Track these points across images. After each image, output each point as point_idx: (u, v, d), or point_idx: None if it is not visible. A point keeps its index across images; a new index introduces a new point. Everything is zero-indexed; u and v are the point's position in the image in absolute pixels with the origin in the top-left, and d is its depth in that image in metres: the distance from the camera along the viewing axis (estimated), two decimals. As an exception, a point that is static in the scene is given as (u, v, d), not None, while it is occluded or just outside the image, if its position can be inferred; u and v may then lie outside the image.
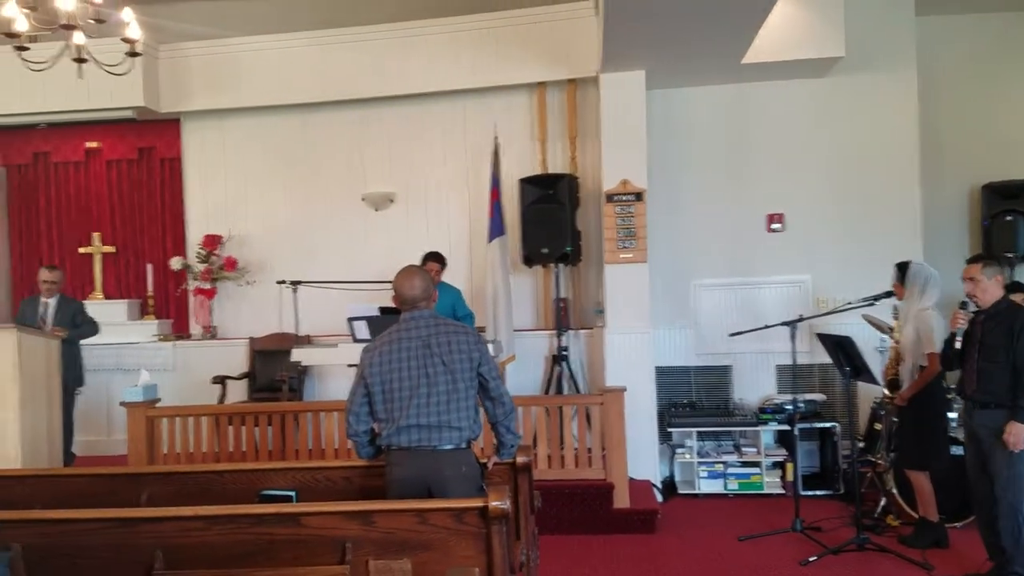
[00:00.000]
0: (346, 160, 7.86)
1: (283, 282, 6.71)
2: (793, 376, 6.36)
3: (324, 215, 7.88)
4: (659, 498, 6.19)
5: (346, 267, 7.50)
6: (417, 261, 5.93)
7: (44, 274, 6.56)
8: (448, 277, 6.50)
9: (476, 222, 7.54)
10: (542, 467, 5.66)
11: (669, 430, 6.62)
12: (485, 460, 3.63)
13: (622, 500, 5.63)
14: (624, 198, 6.52)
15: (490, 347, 5.88)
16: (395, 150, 7.80)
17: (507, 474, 3.68)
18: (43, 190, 8.35)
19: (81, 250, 8.22)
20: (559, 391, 6.84)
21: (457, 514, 2.88)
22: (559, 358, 6.95)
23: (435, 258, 6.19)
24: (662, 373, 6.88)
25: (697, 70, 6.67)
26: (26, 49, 4.55)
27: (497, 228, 6.83)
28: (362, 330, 5.68)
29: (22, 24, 4.46)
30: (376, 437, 3.50)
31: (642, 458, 6.22)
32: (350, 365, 5.18)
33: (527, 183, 7.05)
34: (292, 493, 3.52)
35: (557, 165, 7.46)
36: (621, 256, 6.50)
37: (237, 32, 7.64)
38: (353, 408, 3.47)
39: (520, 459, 3.67)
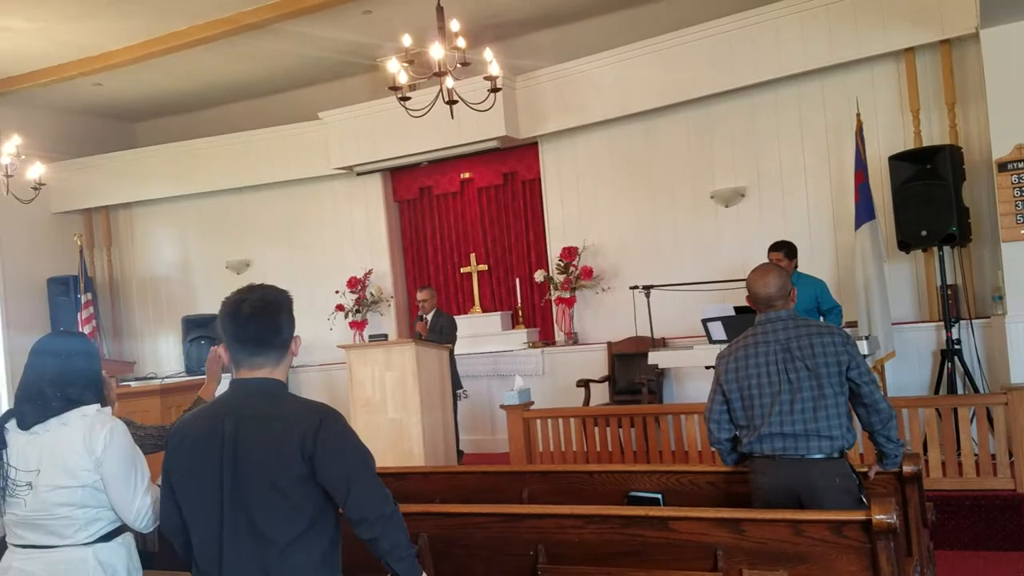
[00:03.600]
0: (691, 159, 7.81)
1: (636, 287, 6.84)
2: None
3: (672, 217, 7.90)
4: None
5: (697, 267, 7.44)
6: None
7: (419, 294, 7.53)
8: (811, 268, 6.13)
9: (839, 209, 7.02)
10: (935, 475, 5.06)
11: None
12: (865, 469, 3.33)
13: (1036, 515, 4.82)
14: (1020, 165, 5.62)
15: (864, 344, 5.47)
16: (743, 142, 7.58)
17: (892, 484, 3.34)
18: (428, 220, 9.47)
19: (461, 270, 9.18)
20: (951, 390, 6.08)
21: (836, 527, 2.68)
22: (950, 353, 6.18)
23: (779, 247, 5.75)
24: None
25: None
26: (408, 99, 5.21)
27: (865, 213, 6.29)
28: (718, 331, 5.58)
29: (403, 77, 5.13)
30: (739, 443, 3.40)
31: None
32: (707, 367, 5.11)
33: (898, 160, 6.40)
34: (658, 496, 3.54)
35: (933, 137, 6.66)
36: (1023, 232, 5.61)
37: (584, 52, 7.99)
38: (712, 416, 3.39)
39: (907, 468, 3.31)
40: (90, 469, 2.39)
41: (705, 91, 7.46)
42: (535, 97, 8.25)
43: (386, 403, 6.67)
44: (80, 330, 9.17)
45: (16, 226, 9.38)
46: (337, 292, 9.05)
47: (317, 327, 8.65)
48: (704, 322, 5.61)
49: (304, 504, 2.15)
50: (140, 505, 2.43)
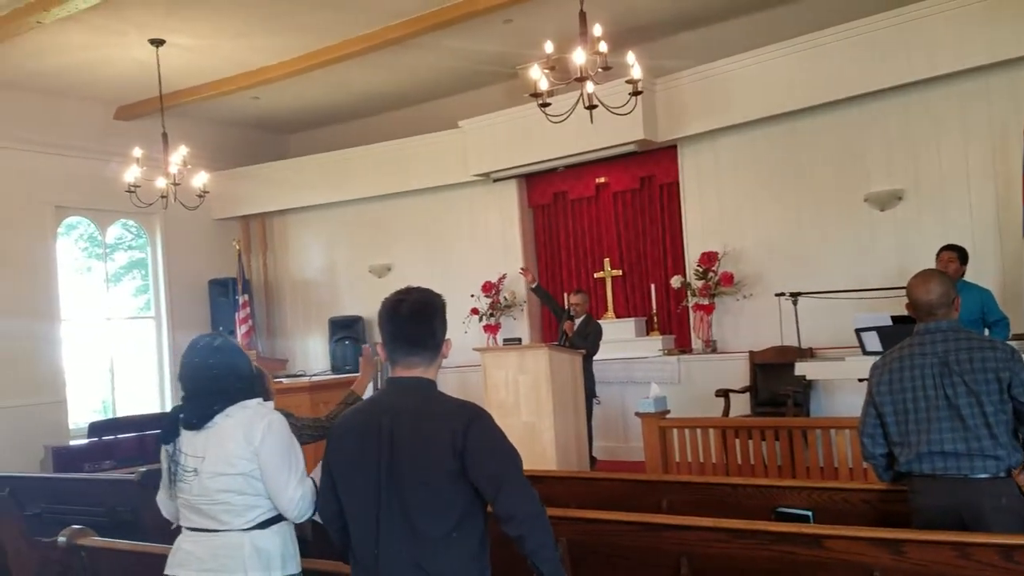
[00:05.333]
0: (842, 161, 7.46)
1: (782, 294, 6.60)
2: None
3: (820, 221, 7.58)
4: None
5: (849, 274, 7.10)
6: (932, 262, 5.33)
7: (571, 298, 7.54)
8: (975, 277, 5.72)
9: (1005, 214, 6.54)
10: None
11: None
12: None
13: None
14: None
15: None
16: (899, 143, 7.17)
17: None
18: (562, 225, 9.50)
19: (595, 275, 9.15)
20: None
21: (1005, 551, 2.51)
22: None
23: (953, 248, 5.46)
24: None
25: None
26: (548, 105, 5.25)
27: (1035, 217, 5.82)
28: (872, 341, 5.28)
29: (544, 83, 5.17)
30: (894, 460, 3.21)
31: None
32: (860, 379, 4.84)
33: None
34: (808, 513, 3.39)
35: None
36: None
37: (726, 53, 7.80)
38: (866, 430, 3.22)
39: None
40: (248, 458, 2.51)
41: (856, 90, 7.12)
42: (675, 99, 8.11)
43: (519, 406, 6.74)
44: (237, 329, 9.78)
45: (182, 231, 10.12)
46: (472, 296, 9.22)
47: (452, 330, 8.56)
48: (858, 331, 5.34)
49: (455, 500, 2.20)
50: (294, 494, 2.53)
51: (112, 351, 9.86)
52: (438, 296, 2.41)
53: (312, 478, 2.58)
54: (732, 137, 8.04)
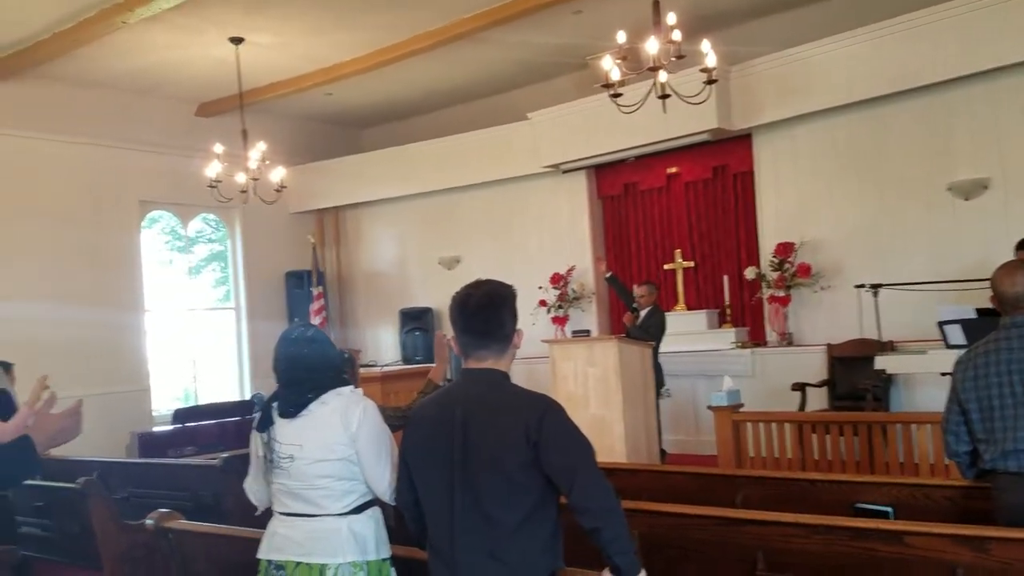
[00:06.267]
0: (925, 149, 7.21)
1: (862, 286, 6.41)
2: None
3: (901, 211, 7.34)
4: None
5: (930, 265, 6.87)
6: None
7: (636, 289, 7.50)
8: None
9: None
10: None
11: None
12: None
13: None
14: None
15: None
16: (985, 131, 6.89)
17: None
18: (632, 216, 9.41)
19: (665, 267, 9.05)
20: None
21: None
22: None
23: None
24: None
25: None
26: (619, 95, 5.21)
27: None
28: (956, 335, 5.10)
29: (615, 73, 5.14)
30: (979, 457, 3.10)
31: None
32: (943, 374, 4.69)
33: None
34: (889, 509, 3.32)
35: None
36: None
37: (804, 39, 7.60)
38: (949, 427, 3.14)
39: None
40: (345, 443, 2.57)
41: (942, 76, 6.86)
42: (751, 87, 7.94)
43: (588, 399, 6.71)
44: (312, 320, 10.01)
45: (259, 225, 10.41)
46: (540, 288, 9.22)
47: (520, 322, 8.82)
48: (940, 324, 5.16)
49: (528, 490, 2.22)
50: (390, 477, 2.59)
51: (193, 341, 10.22)
52: (508, 287, 2.42)
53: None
54: (810, 124, 7.84)
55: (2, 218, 8.25)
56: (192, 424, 8.91)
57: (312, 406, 2.63)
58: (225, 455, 5.29)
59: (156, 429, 9.02)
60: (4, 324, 7.76)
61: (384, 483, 2.60)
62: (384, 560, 2.66)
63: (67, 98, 8.75)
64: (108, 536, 4.30)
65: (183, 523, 3.58)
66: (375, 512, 2.69)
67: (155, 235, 10.19)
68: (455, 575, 2.26)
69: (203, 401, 9.93)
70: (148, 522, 3.58)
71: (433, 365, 3.49)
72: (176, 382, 10.24)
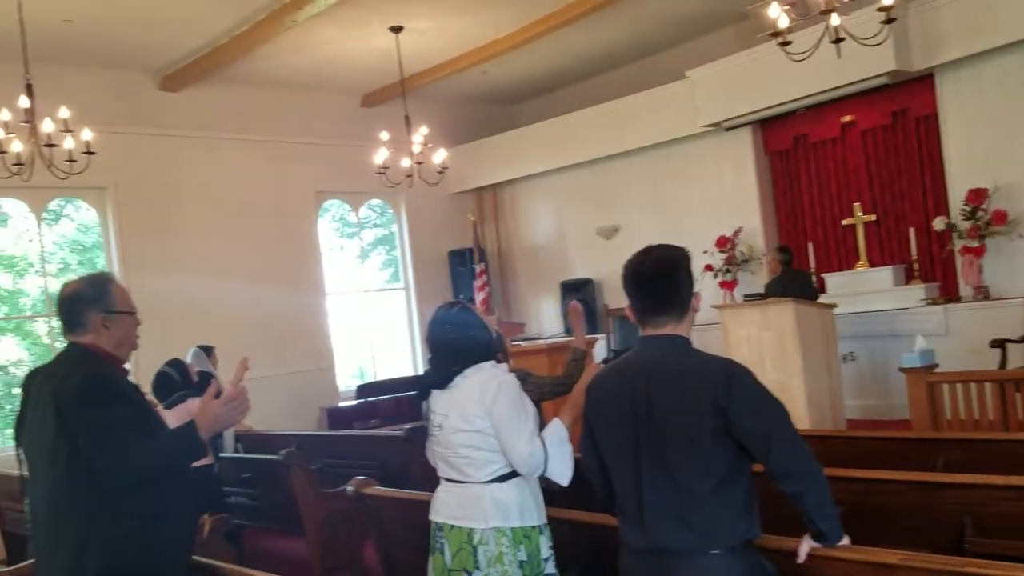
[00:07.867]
0: None
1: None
2: None
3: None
4: None
5: None
6: None
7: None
8: None
9: None
10: None
11: None
12: None
13: None
14: None
15: None
16: None
17: None
18: (803, 170, 8.95)
19: (844, 222, 8.54)
20: None
21: None
22: None
23: None
24: None
25: None
26: (789, 43, 4.93)
27: None
28: None
29: (783, 21, 4.86)
30: None
31: None
32: None
33: None
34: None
35: None
36: None
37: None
38: None
39: None
40: (482, 416, 2.70)
41: None
42: (931, 24, 7.30)
43: (764, 363, 6.50)
44: (476, 296, 10.27)
45: (423, 207, 10.77)
46: (706, 252, 8.96)
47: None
48: None
49: (718, 456, 2.17)
50: (524, 450, 2.66)
51: (368, 320, 10.76)
52: (680, 250, 2.36)
53: (542, 437, 2.70)
54: (999, 60, 7.15)
55: (199, 214, 8.98)
56: (373, 399, 9.40)
57: (457, 379, 2.80)
58: (408, 426, 5.54)
59: (342, 404, 9.59)
60: (205, 311, 8.51)
61: (518, 455, 2.67)
62: (533, 527, 2.73)
63: (247, 98, 9.38)
64: (309, 503, 4.64)
65: (379, 489, 3.80)
66: (520, 482, 2.75)
67: (326, 223, 10.76)
68: (650, 541, 2.24)
69: (380, 378, 10.44)
70: (348, 489, 3.82)
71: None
72: (352, 360, 10.83)
